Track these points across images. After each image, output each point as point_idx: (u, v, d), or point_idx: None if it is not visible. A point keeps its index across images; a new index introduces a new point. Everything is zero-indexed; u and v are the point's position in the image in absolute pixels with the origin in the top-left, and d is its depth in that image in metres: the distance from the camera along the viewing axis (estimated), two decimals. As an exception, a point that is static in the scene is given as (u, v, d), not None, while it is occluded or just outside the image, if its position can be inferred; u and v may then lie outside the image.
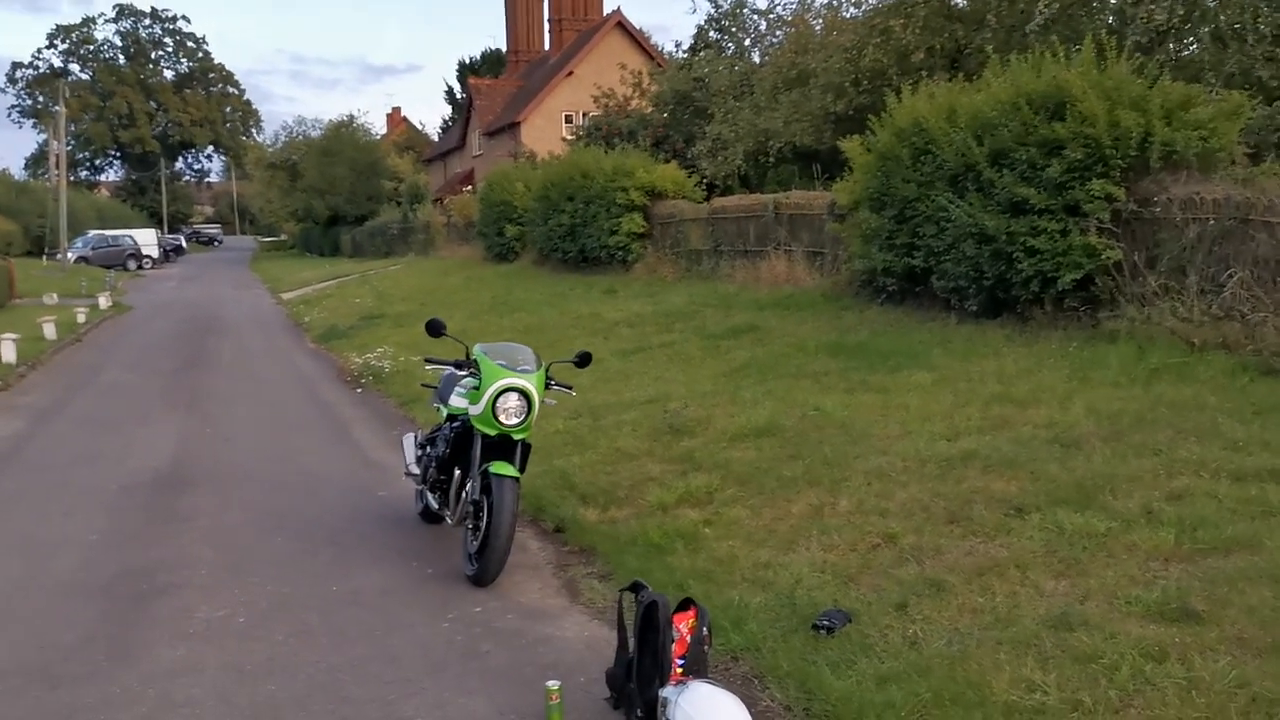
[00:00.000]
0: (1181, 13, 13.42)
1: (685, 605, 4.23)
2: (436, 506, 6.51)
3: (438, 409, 6.92)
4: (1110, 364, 8.38)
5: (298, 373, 15.39)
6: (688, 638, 4.11)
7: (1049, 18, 14.79)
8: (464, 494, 6.05)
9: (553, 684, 4.08)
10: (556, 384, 6.20)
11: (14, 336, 16.01)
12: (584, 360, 6.36)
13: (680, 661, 4.06)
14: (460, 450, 6.13)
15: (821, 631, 4.57)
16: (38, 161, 79.54)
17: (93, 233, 50.76)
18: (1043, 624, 4.33)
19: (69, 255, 43.92)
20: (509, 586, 5.77)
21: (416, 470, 6.82)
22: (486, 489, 5.79)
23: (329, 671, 4.65)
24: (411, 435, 7.26)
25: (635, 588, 4.37)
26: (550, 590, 5.76)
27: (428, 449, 6.79)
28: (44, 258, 45.39)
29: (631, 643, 4.22)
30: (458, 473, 6.17)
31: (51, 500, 7.90)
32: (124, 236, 50.03)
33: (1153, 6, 13.61)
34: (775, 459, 7.28)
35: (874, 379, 9.13)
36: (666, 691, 3.81)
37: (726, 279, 16.85)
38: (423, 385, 7.55)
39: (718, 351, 11.82)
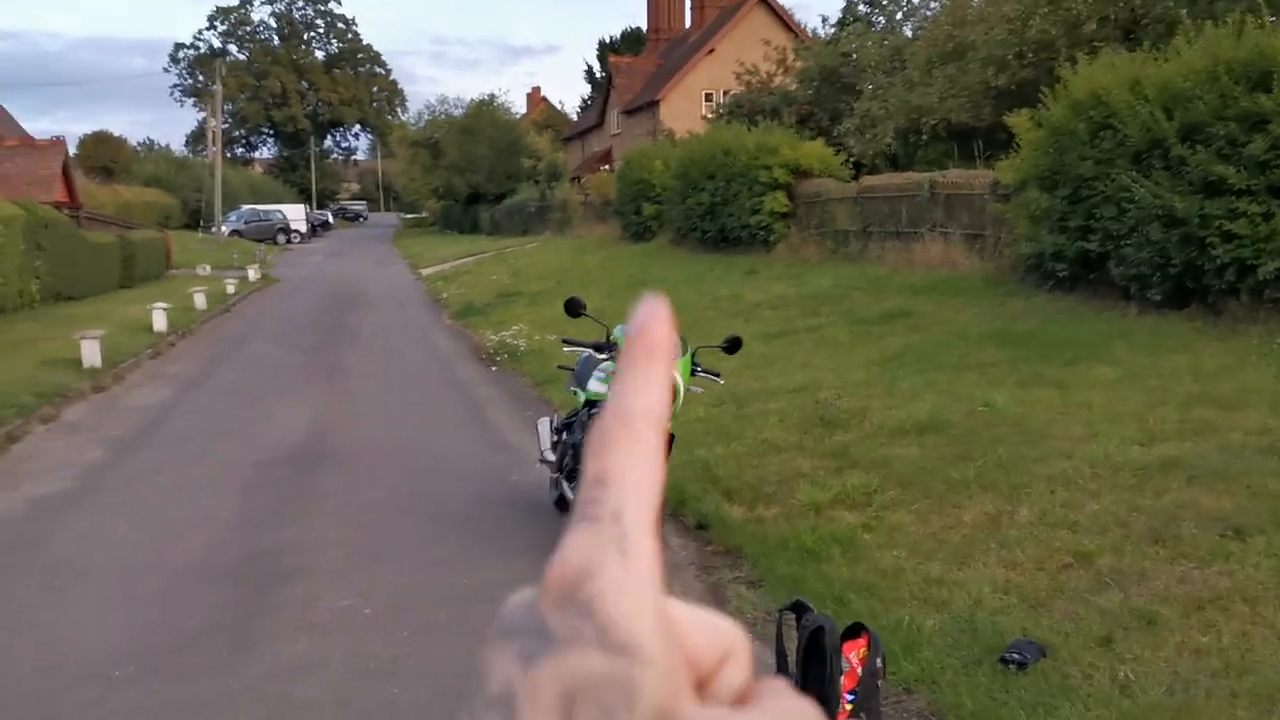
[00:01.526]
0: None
1: (855, 631, 3.67)
2: (572, 497, 6.07)
3: (574, 393, 6.49)
4: (1326, 364, 7.42)
5: (434, 349, 15.28)
6: (858, 669, 3.54)
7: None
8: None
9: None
10: (703, 370, 5.68)
11: (166, 306, 16.35)
12: (733, 345, 5.81)
13: (850, 697, 3.50)
14: (599, 438, 5.68)
15: (1011, 666, 3.95)
16: (197, 139, 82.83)
17: (245, 207, 52.45)
18: (1289, 676, 3.63)
19: (223, 229, 45.50)
20: (649, 589, 5.29)
21: (552, 457, 6.40)
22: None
23: (454, 676, 4.25)
24: (546, 419, 6.85)
25: (798, 608, 3.82)
26: (694, 596, 5.25)
27: (564, 435, 6.37)
28: (200, 231, 47.12)
29: (793, 671, 3.67)
30: (596, 462, 5.72)
31: (188, 474, 7.79)
32: (274, 212, 51.57)
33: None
34: (942, 459, 6.61)
35: (1049, 372, 8.33)
36: (838, 736, 3.26)
37: (876, 261, 16.04)
38: (559, 367, 7.15)
39: (869, 338, 11.12)
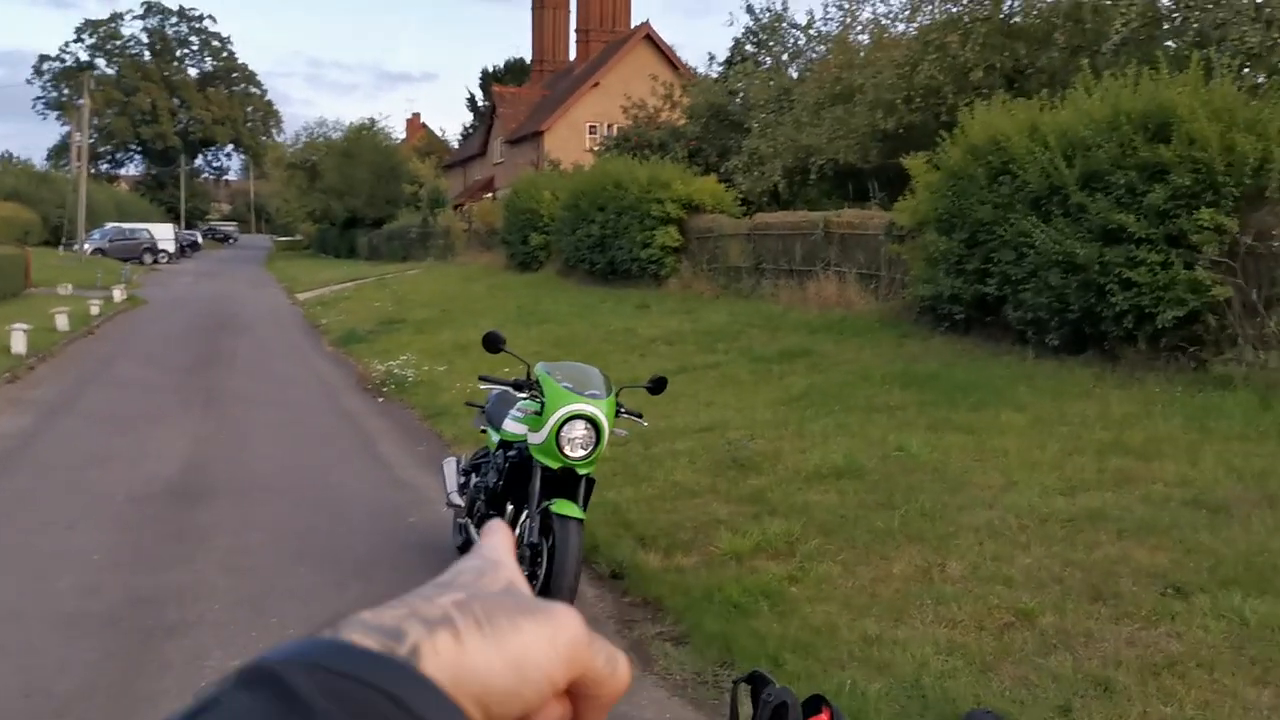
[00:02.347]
0: (1277, 35, 12.57)
1: (815, 706, 3.37)
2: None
3: (484, 432, 6.08)
4: (1232, 414, 7.52)
5: (317, 377, 14.57)
6: (822, 749, 3.24)
7: (1125, 38, 13.99)
8: (517, 533, 5.20)
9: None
10: (627, 412, 5.35)
11: (25, 327, 15.19)
12: (659, 386, 5.51)
13: (814, 781, 3.20)
14: (515, 483, 5.28)
15: (970, 738, 3.70)
16: (60, 153, 79.13)
17: (110, 225, 50.06)
18: (1262, 750, 3.47)
19: (86, 246, 43.29)
20: (568, 647, 4.91)
21: (460, 501, 5.97)
22: (546, 530, 4.94)
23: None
24: (453, 460, 6.41)
25: (754, 679, 3.49)
26: (616, 655, 4.89)
27: (473, 477, 5.95)
28: (61, 248, 44.75)
29: (747, 750, 3.35)
30: (510, 508, 5.32)
31: (56, 508, 7.08)
32: (141, 230, 49.32)
33: (1244, 29, 12.79)
34: (862, 506, 6.41)
35: (958, 416, 8.26)
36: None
37: (770, 299, 16.00)
38: (468, 404, 6.72)
39: (771, 376, 10.96)
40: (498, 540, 0.50)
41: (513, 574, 0.47)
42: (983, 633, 4.60)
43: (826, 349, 11.92)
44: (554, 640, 0.42)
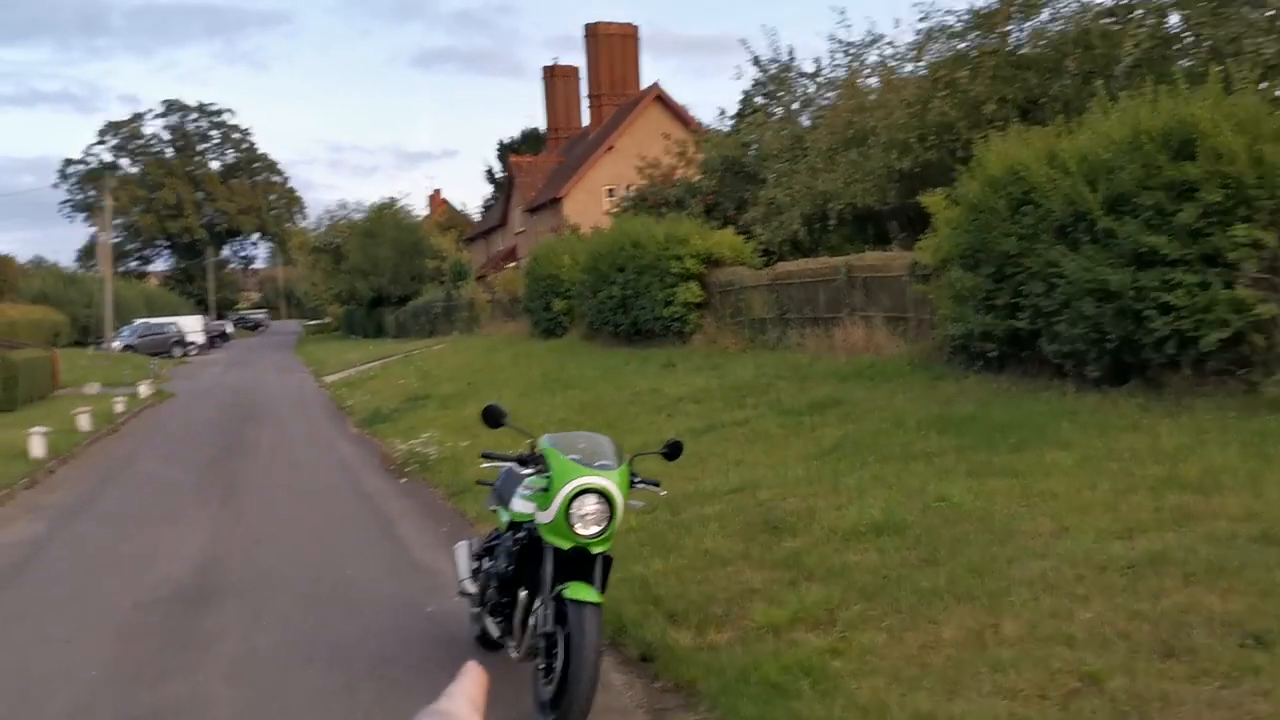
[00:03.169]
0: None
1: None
2: (497, 634, 5.29)
3: (495, 512, 5.74)
4: (1290, 437, 7.05)
5: (339, 460, 14.31)
6: None
7: (1137, 59, 13.68)
8: (531, 622, 4.84)
9: None
10: (642, 482, 5.00)
11: (44, 430, 15.08)
12: (674, 451, 5.16)
13: None
14: (526, 565, 4.92)
15: (1043, 831, 3.27)
16: (88, 253, 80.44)
17: (139, 321, 50.62)
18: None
19: (115, 344, 43.67)
20: (594, 744, 4.52)
21: (472, 589, 5.61)
22: (561, 617, 4.58)
23: None
24: (465, 544, 6.06)
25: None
26: (648, 749, 4.50)
27: (484, 562, 5.60)
28: (90, 347, 45.18)
29: None
30: (523, 594, 4.96)
31: (57, 621, 6.79)
32: (169, 324, 49.79)
33: (1260, 40, 12.44)
34: (905, 564, 5.99)
35: (999, 460, 7.83)
36: None
37: (796, 349, 15.64)
38: (479, 483, 6.40)
39: (801, 429, 10.56)
40: (463, 685, 0.55)
41: None
42: (1046, 703, 4.17)
43: (858, 397, 11.52)
44: None
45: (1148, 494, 6.41)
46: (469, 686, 0.53)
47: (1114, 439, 7.92)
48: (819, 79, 25.73)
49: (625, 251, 21.28)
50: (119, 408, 21.23)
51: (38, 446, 14.68)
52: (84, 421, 18.21)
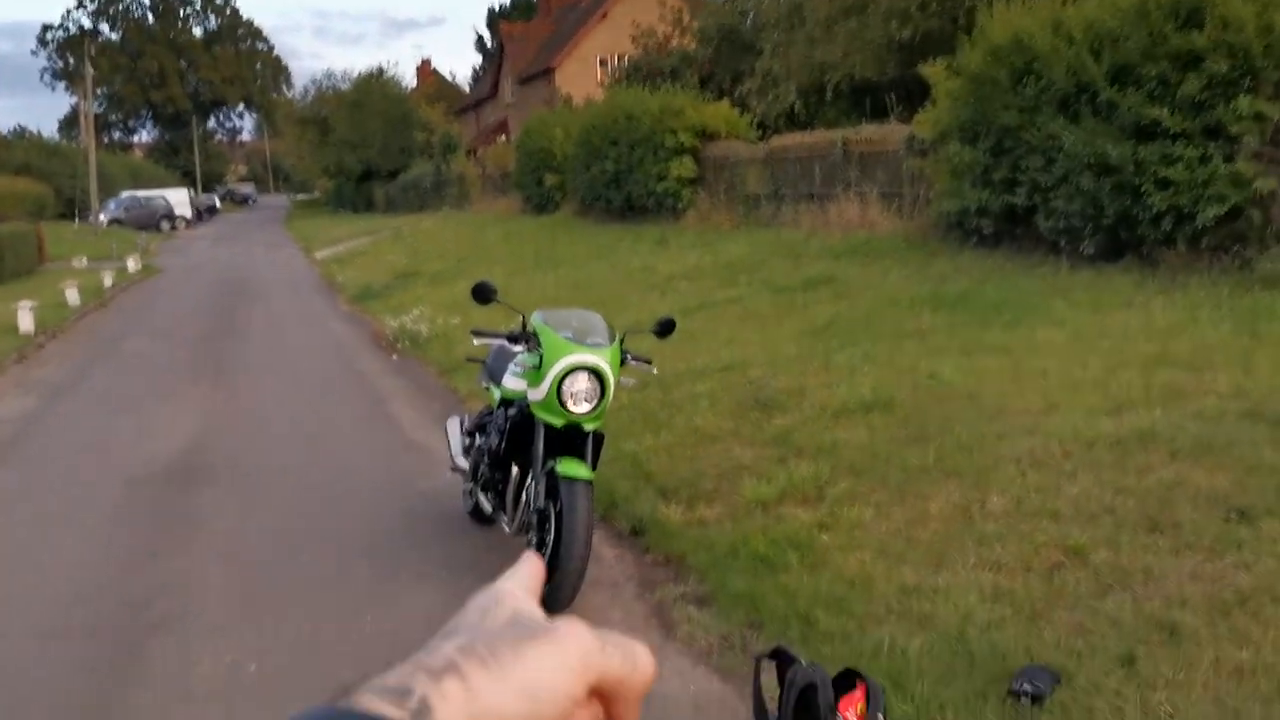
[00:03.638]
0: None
1: (849, 681, 3.02)
2: (490, 510, 5.34)
3: (487, 389, 5.73)
4: (1284, 315, 7.03)
5: (331, 338, 14.29)
6: (858, 731, 2.90)
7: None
8: (524, 498, 4.87)
9: (670, 799, 2.90)
10: (633, 358, 4.96)
11: (32, 304, 15.00)
12: (666, 329, 5.11)
13: (850, 766, 2.86)
14: (517, 443, 4.92)
15: (1023, 699, 3.35)
16: (70, 124, 78.79)
17: (125, 194, 49.86)
18: (1355, 699, 3.09)
19: (102, 217, 43.14)
20: (585, 615, 4.54)
21: (464, 464, 5.64)
22: (553, 493, 4.60)
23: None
24: (456, 420, 6.07)
25: (779, 655, 3.15)
26: (637, 619, 4.58)
27: (476, 438, 5.61)
28: (76, 220, 44.65)
29: (775, 734, 3.00)
30: (515, 470, 4.98)
31: (48, 501, 6.82)
32: (156, 197, 49.06)
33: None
34: (894, 441, 6.03)
35: (991, 337, 7.83)
36: (846, 829, 2.61)
37: (790, 225, 15.49)
38: (469, 360, 6.37)
39: (794, 307, 10.53)
40: (520, 571, 0.52)
41: (519, 602, 0.49)
42: (1030, 575, 4.23)
43: (851, 275, 11.46)
44: (562, 659, 0.43)
45: (1138, 371, 6.42)
46: (526, 574, 0.50)
47: (1106, 316, 7.90)
48: (819, -57, 24.87)
49: (618, 125, 20.87)
50: (107, 282, 21.09)
51: (26, 321, 14.62)
52: (72, 296, 18.11)
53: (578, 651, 0.44)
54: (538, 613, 0.48)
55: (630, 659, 0.46)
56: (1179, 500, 4.60)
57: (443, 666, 0.42)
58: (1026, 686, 3.38)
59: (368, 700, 0.41)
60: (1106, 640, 3.63)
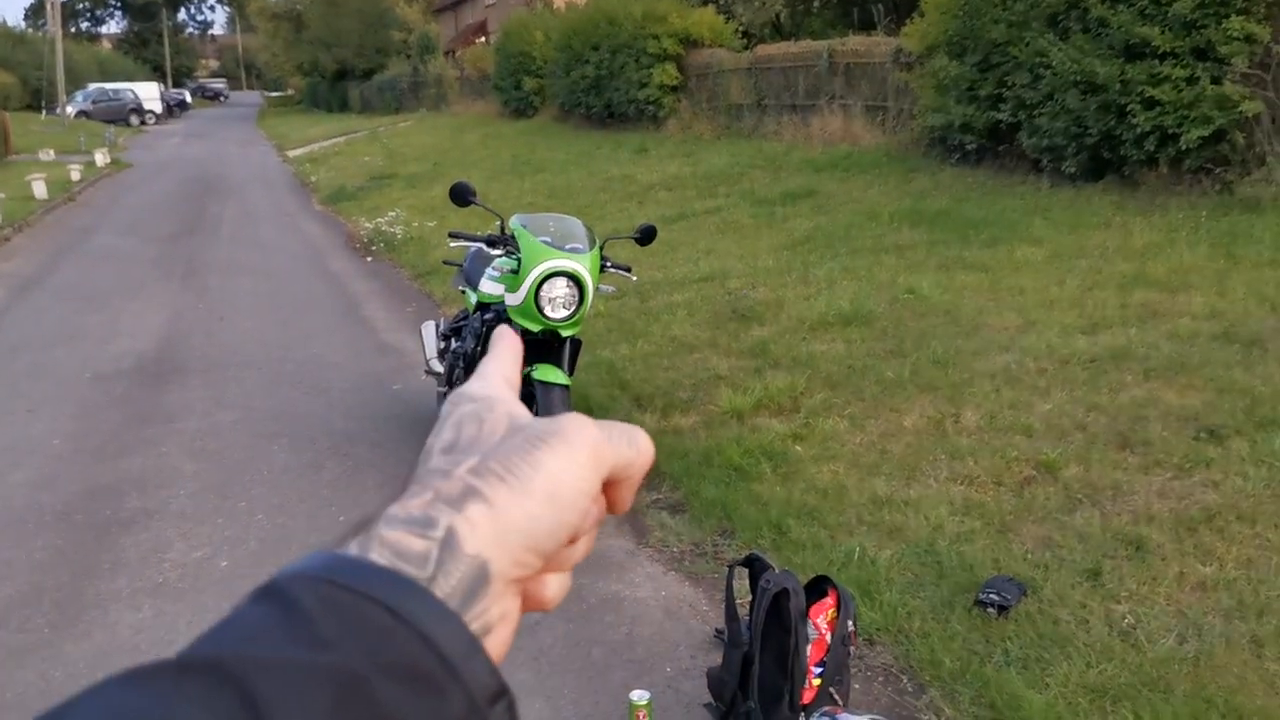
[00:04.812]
0: None
1: (820, 589, 3.06)
2: (464, 413, 5.30)
3: (463, 293, 5.66)
4: (1261, 239, 7.07)
5: (304, 239, 14.09)
6: (827, 636, 2.95)
7: None
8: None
9: (639, 697, 2.94)
10: (613, 266, 4.90)
11: (-1, 196, 14.70)
12: (647, 235, 5.03)
13: (818, 669, 2.91)
14: (494, 347, 4.88)
15: (990, 610, 3.40)
16: (36, 12, 76.29)
17: (93, 86, 48.64)
18: (1313, 615, 3.16)
19: (69, 110, 42.11)
20: (558, 520, 4.61)
21: (439, 368, 5.60)
22: (529, 399, 4.58)
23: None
24: (431, 324, 6.01)
25: (751, 563, 3.19)
26: (609, 525, 4.57)
27: (452, 342, 5.57)
28: (43, 112, 43.55)
29: (746, 636, 3.04)
30: (491, 375, 4.94)
31: (15, 394, 6.74)
32: (125, 91, 47.91)
33: None
34: (870, 355, 6.04)
35: (970, 254, 7.82)
36: (813, 730, 2.66)
37: (773, 137, 15.32)
38: (445, 263, 6.29)
39: (773, 220, 10.45)
40: (499, 354, 0.51)
41: (510, 404, 0.47)
42: (1001, 489, 4.27)
43: (831, 188, 11.37)
44: (574, 458, 0.43)
45: (1115, 291, 6.43)
46: (507, 357, 0.49)
47: (1085, 236, 7.90)
48: None
49: (600, 29, 20.45)
50: (75, 176, 20.64)
51: (-8, 214, 14.33)
52: (39, 189, 17.73)
53: (588, 447, 0.43)
54: (526, 412, 0.47)
55: (633, 442, 0.46)
56: (1150, 418, 4.64)
57: (462, 492, 0.40)
58: (993, 597, 3.43)
59: (390, 533, 0.39)
60: (1073, 554, 3.68)
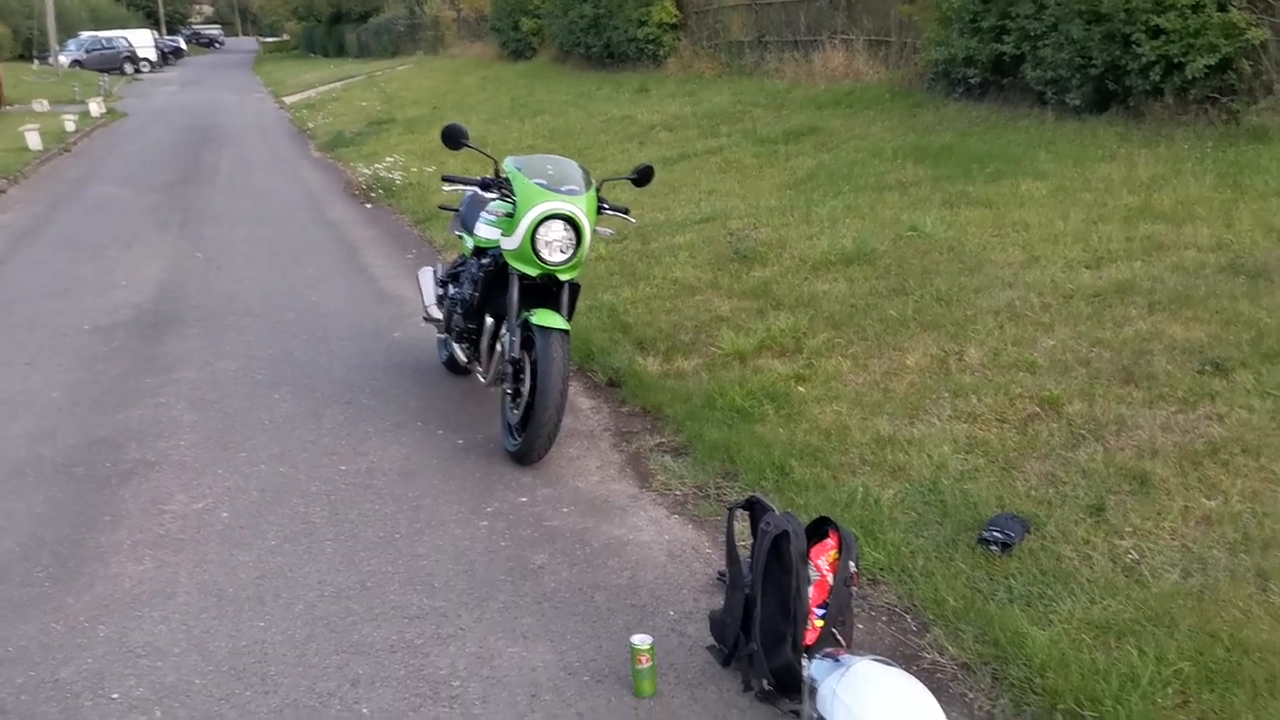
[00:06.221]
0: None
1: (821, 530, 3.04)
2: (465, 360, 5.29)
3: (460, 238, 5.61)
4: (1268, 169, 6.96)
5: (302, 186, 13.99)
6: (829, 577, 2.93)
7: None
8: (499, 348, 4.81)
9: (641, 641, 2.94)
10: (610, 208, 4.83)
11: (-9, 149, 14.58)
12: (644, 176, 4.96)
13: (820, 611, 2.90)
14: (492, 293, 4.84)
15: (993, 547, 3.38)
16: (24, -41, 75.23)
17: (85, 35, 48.07)
18: (1319, 547, 3.14)
19: (62, 59, 41.67)
20: (561, 465, 4.61)
21: (438, 314, 5.56)
22: (528, 344, 4.54)
23: (335, 598, 3.52)
24: (429, 270, 5.96)
25: (752, 505, 3.17)
26: (613, 470, 4.58)
27: (450, 288, 5.52)
28: (35, 62, 43.09)
29: (748, 579, 3.03)
30: (489, 321, 4.91)
31: (13, 345, 6.71)
32: (119, 39, 47.40)
33: None
34: (873, 294, 5.98)
35: (974, 190, 7.71)
36: (815, 670, 2.65)
37: (774, 74, 15.11)
38: (441, 208, 6.21)
39: (776, 159, 10.33)
40: None
41: None
42: (1005, 426, 4.24)
43: (834, 126, 11.22)
44: None
45: (1120, 224, 6.35)
46: None
47: (1090, 169, 7.79)
48: None
49: (597, -34, 20.11)
50: (69, 126, 20.48)
51: (-13, 167, 14.22)
52: (34, 140, 17.61)
53: None
54: None
55: None
56: (1155, 352, 4.60)
57: None
58: (997, 534, 3.41)
59: None
60: (1077, 490, 3.66)
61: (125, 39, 47.46)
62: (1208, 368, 4.36)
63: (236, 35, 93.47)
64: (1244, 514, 3.35)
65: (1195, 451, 3.76)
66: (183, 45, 63.94)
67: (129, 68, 45.11)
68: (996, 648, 2.93)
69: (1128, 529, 3.37)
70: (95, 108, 24.77)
